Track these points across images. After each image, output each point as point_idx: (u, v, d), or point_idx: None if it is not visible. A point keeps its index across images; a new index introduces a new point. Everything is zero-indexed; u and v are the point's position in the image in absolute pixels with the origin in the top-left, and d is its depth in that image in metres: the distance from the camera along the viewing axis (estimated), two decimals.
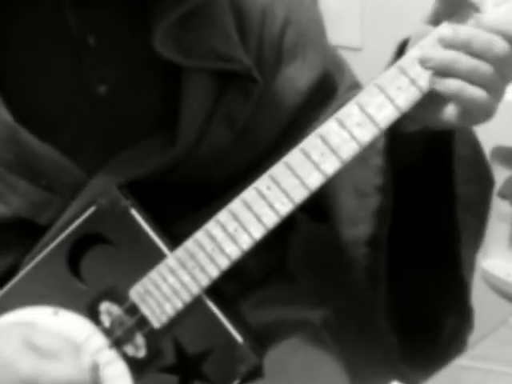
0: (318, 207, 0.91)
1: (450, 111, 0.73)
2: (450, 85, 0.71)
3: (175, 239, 0.83)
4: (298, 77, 0.92)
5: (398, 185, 0.85)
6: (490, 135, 1.47)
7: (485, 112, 0.72)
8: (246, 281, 0.96)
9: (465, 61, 0.70)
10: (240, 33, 0.87)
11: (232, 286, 0.92)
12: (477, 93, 0.70)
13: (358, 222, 0.88)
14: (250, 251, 0.81)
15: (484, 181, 0.90)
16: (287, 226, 1.00)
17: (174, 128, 0.85)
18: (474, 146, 0.88)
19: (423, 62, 0.71)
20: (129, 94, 0.85)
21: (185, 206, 0.89)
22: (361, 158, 0.83)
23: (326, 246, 1.14)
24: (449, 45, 0.70)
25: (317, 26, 0.95)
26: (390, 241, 0.87)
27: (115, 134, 0.86)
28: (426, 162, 0.84)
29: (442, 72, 0.71)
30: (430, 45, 0.73)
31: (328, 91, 0.95)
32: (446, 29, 0.71)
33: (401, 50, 0.77)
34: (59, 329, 0.84)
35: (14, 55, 0.83)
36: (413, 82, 0.73)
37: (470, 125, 0.79)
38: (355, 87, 0.94)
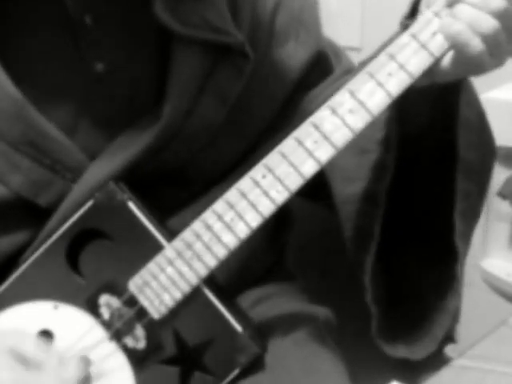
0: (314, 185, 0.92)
1: (446, 60, 0.75)
2: (452, 25, 0.73)
3: (173, 230, 0.84)
4: (291, 56, 0.94)
5: (402, 145, 0.85)
6: None
7: (477, 63, 0.74)
8: (244, 279, 0.97)
9: (469, 9, 0.72)
10: (233, 12, 0.89)
11: (231, 284, 0.93)
12: (473, 41, 0.72)
13: (356, 179, 0.88)
14: (249, 250, 0.83)
15: (486, 149, 0.90)
16: (284, 223, 1.02)
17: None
18: (480, 114, 0.88)
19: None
20: (126, 70, 0.87)
21: (182, 195, 0.90)
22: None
23: (326, 245, 1.15)
24: None
25: (310, 10, 0.97)
26: (389, 199, 0.86)
27: (114, 113, 0.87)
28: (431, 123, 0.85)
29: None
30: (421, 30, 0.75)
31: (323, 71, 0.97)
32: None
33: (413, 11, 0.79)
34: (59, 323, 0.86)
35: (12, 35, 0.84)
36: (402, 67, 0.75)
37: (464, 75, 0.80)
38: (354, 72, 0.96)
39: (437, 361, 0.99)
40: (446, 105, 0.84)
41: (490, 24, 0.72)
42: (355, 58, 1.07)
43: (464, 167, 0.86)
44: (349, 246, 0.90)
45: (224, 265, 0.82)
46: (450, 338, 1.33)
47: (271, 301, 0.98)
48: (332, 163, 0.88)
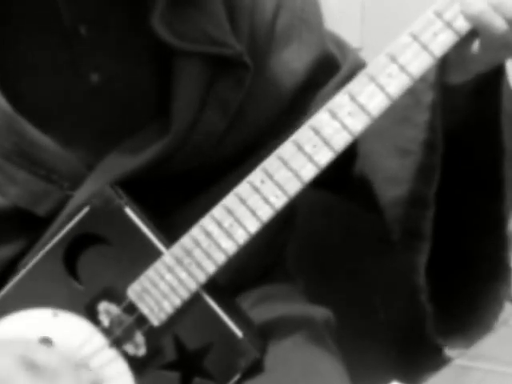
0: (335, 178, 0.88)
1: (475, 47, 0.72)
2: (474, 5, 0.69)
3: (173, 228, 0.81)
4: (294, 58, 0.90)
5: (446, 141, 0.82)
6: None
7: (503, 44, 0.70)
8: (244, 279, 0.93)
9: None
10: (231, 22, 0.85)
11: (232, 283, 0.90)
12: (496, 21, 0.69)
13: (401, 182, 0.84)
14: (249, 249, 0.79)
15: None
16: (285, 224, 0.98)
17: (169, 115, 0.83)
18: None
19: None
20: (122, 82, 0.84)
21: (183, 193, 0.87)
22: (404, 117, 0.81)
23: (326, 245, 1.12)
24: None
25: (313, 8, 0.93)
26: (436, 198, 0.83)
27: (111, 123, 0.84)
28: (474, 119, 0.82)
29: None
30: (421, 30, 0.70)
31: (329, 71, 0.92)
32: None
33: None
34: (59, 332, 0.82)
35: (6, 46, 0.81)
36: (402, 68, 0.70)
37: (495, 60, 0.76)
38: (361, 68, 0.92)
39: (437, 361, 0.96)
40: (487, 99, 0.81)
41: None
42: None
43: (509, 158, 0.82)
44: (397, 248, 0.87)
45: (223, 265, 0.79)
46: None
47: (270, 302, 0.94)
48: (374, 166, 0.86)
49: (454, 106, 0.81)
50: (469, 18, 0.70)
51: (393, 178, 0.86)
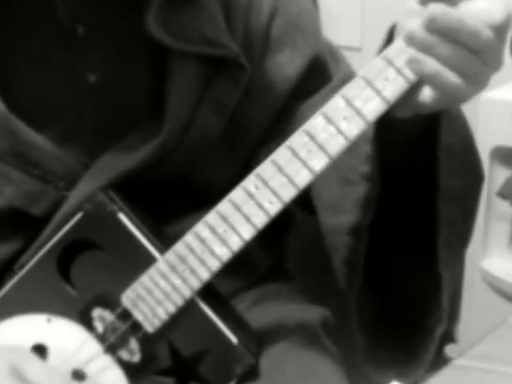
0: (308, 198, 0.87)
1: (426, 93, 0.68)
2: (428, 67, 0.66)
3: (173, 237, 0.78)
4: (287, 64, 0.87)
5: (385, 174, 0.80)
6: (489, 135, 1.42)
7: (460, 97, 0.68)
8: (244, 279, 0.91)
9: (446, 46, 0.65)
10: (227, 21, 0.83)
11: (230, 284, 0.88)
12: (453, 79, 0.66)
13: (341, 211, 0.83)
14: (249, 250, 0.76)
15: (472, 175, 0.83)
16: (285, 224, 0.96)
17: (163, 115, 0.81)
18: (466, 139, 0.82)
19: (407, 39, 0.66)
20: (119, 82, 0.82)
21: (183, 202, 0.85)
22: (350, 147, 0.78)
23: (325, 245, 1.10)
24: (436, 28, 0.65)
25: (308, 15, 0.90)
26: (370, 230, 0.82)
27: (107, 124, 0.82)
28: (414, 150, 0.79)
29: (424, 52, 0.66)
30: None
31: (320, 78, 0.90)
32: (437, 9, 0.65)
33: (390, 36, 0.72)
34: (53, 338, 0.80)
35: (3, 45, 0.79)
36: (399, 72, 0.67)
37: (446, 107, 0.74)
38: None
39: (437, 361, 0.94)
40: (426, 133, 0.78)
41: (469, 59, 0.65)
42: (355, 58, 1.01)
43: (447, 194, 0.79)
44: (336, 276, 0.85)
45: (223, 265, 0.76)
46: (450, 338, 1.29)
47: (269, 302, 0.92)
48: (318, 192, 0.84)
49: (397, 139, 0.78)
50: (426, 79, 0.67)
51: (334, 206, 0.84)
